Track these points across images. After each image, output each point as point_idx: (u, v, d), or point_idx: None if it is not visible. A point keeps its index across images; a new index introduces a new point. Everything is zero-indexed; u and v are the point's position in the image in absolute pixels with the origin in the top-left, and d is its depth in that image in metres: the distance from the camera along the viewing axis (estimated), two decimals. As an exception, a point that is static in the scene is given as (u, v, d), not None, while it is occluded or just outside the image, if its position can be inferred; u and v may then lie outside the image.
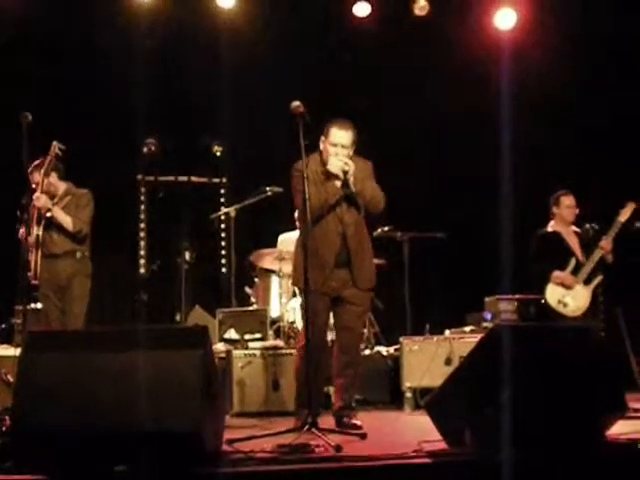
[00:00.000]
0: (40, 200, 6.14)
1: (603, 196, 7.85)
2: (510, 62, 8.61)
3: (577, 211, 7.35)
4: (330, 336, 5.88)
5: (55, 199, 6.40)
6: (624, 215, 7.15)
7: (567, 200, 7.33)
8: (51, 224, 6.27)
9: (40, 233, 6.12)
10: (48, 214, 6.24)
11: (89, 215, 6.47)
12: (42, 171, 6.17)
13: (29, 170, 6.11)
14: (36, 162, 6.24)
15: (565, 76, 8.64)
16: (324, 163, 5.37)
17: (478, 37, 9.01)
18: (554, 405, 4.13)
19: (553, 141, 8.99)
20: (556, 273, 7.12)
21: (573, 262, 7.15)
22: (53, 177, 6.38)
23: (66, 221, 6.31)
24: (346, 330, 5.46)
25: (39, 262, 5.98)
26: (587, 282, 7.14)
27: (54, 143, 6.15)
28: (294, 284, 5.79)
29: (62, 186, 6.50)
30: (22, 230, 5.99)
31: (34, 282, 5.90)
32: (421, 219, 8.33)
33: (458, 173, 9.06)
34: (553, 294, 7.11)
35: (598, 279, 7.20)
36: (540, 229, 7.38)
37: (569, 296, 7.09)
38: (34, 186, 6.14)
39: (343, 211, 5.37)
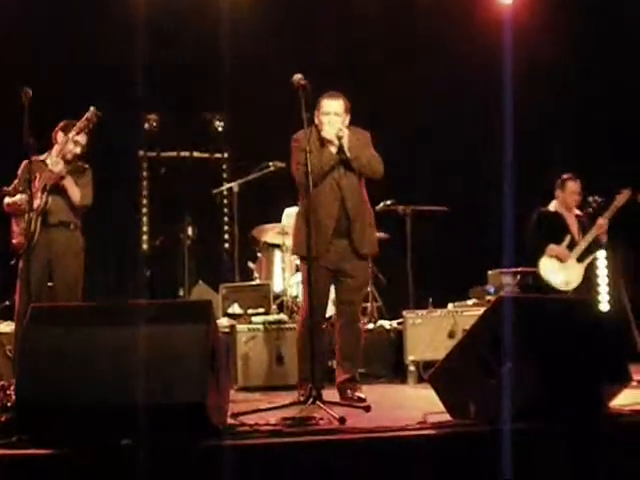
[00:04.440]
0: (58, 165, 5.71)
1: (603, 178, 7.86)
2: (511, 35, 8.56)
3: (580, 198, 7.37)
4: (332, 310, 5.88)
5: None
6: (620, 201, 7.23)
7: (573, 186, 7.36)
8: (56, 192, 5.79)
9: (49, 200, 5.69)
10: (62, 182, 5.77)
11: (92, 190, 6.02)
12: (71, 134, 5.74)
13: (55, 130, 5.83)
14: (62, 123, 5.89)
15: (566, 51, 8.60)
16: (319, 132, 5.41)
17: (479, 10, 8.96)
18: (558, 376, 4.14)
19: (555, 117, 8.95)
20: (551, 246, 7.18)
21: (568, 238, 7.23)
22: (83, 141, 5.92)
23: (75, 193, 5.86)
24: (347, 304, 5.48)
25: (38, 230, 5.64)
26: (580, 260, 7.21)
27: (92, 108, 5.74)
28: (294, 252, 5.76)
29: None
30: (21, 196, 5.60)
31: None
32: (423, 192, 8.31)
33: (460, 146, 9.03)
34: (546, 267, 7.16)
35: (591, 257, 7.30)
36: (542, 207, 7.41)
37: (561, 270, 7.14)
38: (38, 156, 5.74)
39: (340, 176, 5.40)
